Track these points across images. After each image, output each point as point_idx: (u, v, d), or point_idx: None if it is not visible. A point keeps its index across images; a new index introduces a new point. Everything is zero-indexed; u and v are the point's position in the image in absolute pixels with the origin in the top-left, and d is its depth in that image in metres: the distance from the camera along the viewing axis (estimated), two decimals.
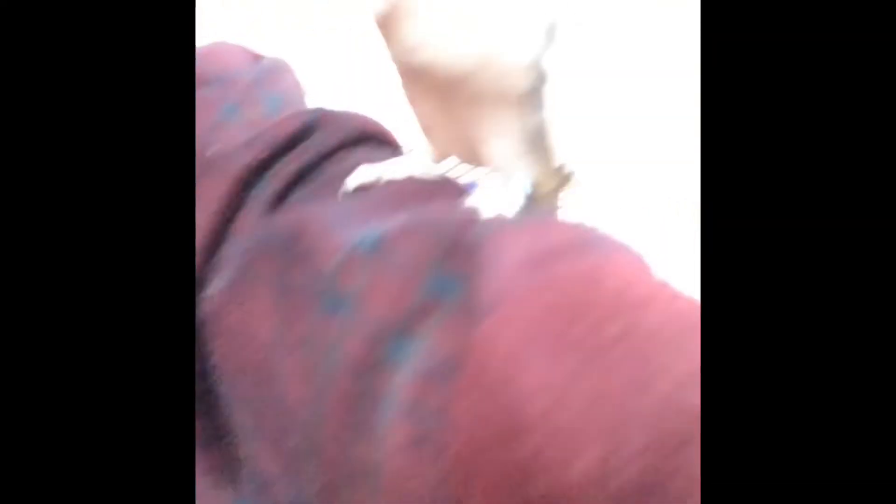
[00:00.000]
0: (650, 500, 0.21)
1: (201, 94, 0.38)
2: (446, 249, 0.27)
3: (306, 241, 0.30)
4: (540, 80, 0.31)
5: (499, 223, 0.28)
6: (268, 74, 0.39)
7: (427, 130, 0.34)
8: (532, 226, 0.28)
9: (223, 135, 0.35)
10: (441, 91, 0.32)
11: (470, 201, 0.32)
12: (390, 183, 0.33)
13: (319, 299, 0.28)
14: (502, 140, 0.33)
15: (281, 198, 0.34)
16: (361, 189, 0.33)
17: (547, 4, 0.31)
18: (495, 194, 0.32)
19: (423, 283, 0.27)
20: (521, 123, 0.32)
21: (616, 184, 0.35)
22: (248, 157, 0.34)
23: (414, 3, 0.29)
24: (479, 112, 0.32)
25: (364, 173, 0.33)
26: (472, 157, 0.34)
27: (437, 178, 0.34)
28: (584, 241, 0.27)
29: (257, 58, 0.43)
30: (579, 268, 0.26)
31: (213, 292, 0.32)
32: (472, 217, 0.28)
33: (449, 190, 0.33)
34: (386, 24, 0.30)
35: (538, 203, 0.39)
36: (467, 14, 0.29)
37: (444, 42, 0.30)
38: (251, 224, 0.33)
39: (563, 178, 0.36)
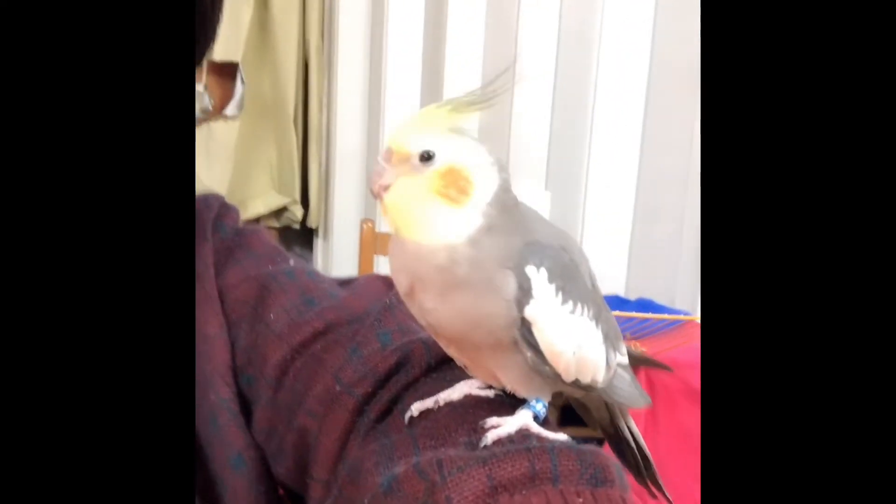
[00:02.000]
0: None
1: (342, 332, 0.52)
2: (428, 487, 0.37)
3: (362, 478, 0.42)
4: (526, 327, 0.40)
5: (465, 462, 0.37)
6: (387, 311, 0.52)
7: (465, 365, 0.44)
8: (492, 463, 0.36)
9: (347, 372, 0.49)
10: (453, 341, 0.42)
11: (491, 422, 0.41)
12: (447, 404, 0.44)
13: None
14: (509, 372, 0.42)
15: (375, 424, 0.46)
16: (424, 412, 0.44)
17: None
18: (511, 418, 0.41)
19: None
20: (522, 359, 0.41)
21: None
22: (360, 392, 0.47)
23: (423, 283, 0.40)
24: (484, 354, 0.41)
25: (426, 402, 0.44)
26: (499, 383, 0.43)
27: (482, 397, 0.44)
28: (531, 478, 0.36)
29: (391, 286, 0.56)
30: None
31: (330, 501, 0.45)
32: (448, 460, 0.37)
33: (482, 411, 0.43)
34: (407, 294, 0.42)
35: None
36: (456, 287, 0.39)
37: (444, 310, 0.40)
38: (354, 449, 0.45)
39: (586, 387, 0.43)
